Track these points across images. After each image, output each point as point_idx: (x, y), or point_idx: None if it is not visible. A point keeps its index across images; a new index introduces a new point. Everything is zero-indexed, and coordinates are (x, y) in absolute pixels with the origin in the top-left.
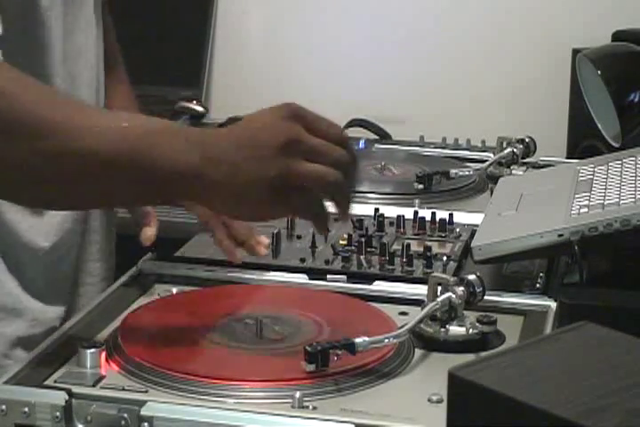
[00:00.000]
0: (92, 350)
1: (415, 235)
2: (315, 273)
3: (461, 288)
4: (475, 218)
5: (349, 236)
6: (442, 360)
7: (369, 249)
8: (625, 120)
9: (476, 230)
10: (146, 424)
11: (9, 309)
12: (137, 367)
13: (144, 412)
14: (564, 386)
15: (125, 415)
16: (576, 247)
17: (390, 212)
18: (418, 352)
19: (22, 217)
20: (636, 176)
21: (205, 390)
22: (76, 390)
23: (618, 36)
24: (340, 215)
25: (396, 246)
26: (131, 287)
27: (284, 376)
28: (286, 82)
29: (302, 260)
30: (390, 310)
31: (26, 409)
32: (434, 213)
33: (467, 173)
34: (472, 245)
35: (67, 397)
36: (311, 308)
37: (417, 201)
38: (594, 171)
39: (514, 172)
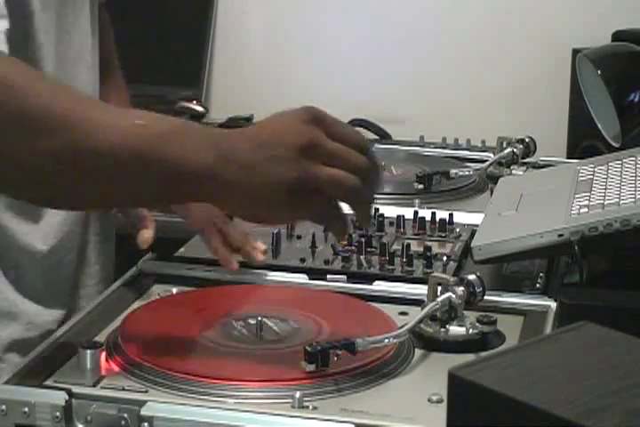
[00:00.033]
0: (92, 350)
1: (415, 235)
2: (315, 273)
3: (461, 288)
4: (475, 218)
5: (349, 236)
6: (442, 360)
7: (369, 249)
8: (625, 120)
9: (475, 230)
10: (146, 424)
11: (4, 312)
12: (137, 367)
13: (144, 412)
14: (564, 386)
15: (125, 415)
16: (576, 247)
17: (390, 212)
18: (418, 352)
19: (19, 221)
20: (635, 176)
21: (205, 390)
22: (75, 390)
23: (618, 36)
24: (359, 222)
25: (396, 246)
26: (131, 287)
27: (284, 376)
28: (286, 82)
29: (302, 260)
30: (390, 310)
31: (26, 409)
32: (434, 213)
33: (467, 173)
34: (472, 245)
35: (67, 397)
36: (311, 308)
37: (417, 201)
38: (594, 171)
39: (514, 172)
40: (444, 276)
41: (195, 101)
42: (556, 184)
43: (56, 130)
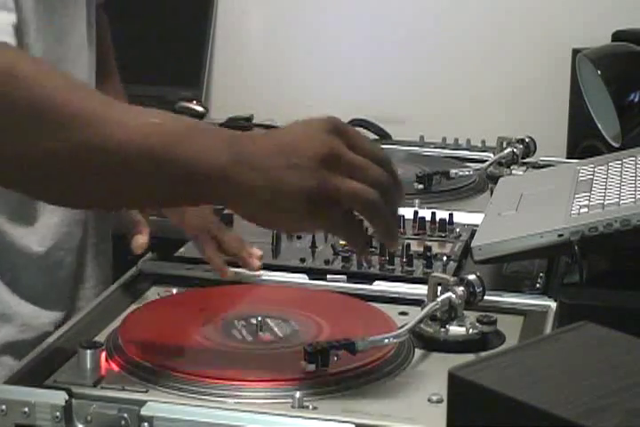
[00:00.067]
0: (92, 350)
1: (415, 235)
2: (315, 273)
3: (461, 288)
4: (475, 218)
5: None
6: (442, 360)
7: (369, 249)
8: (625, 120)
9: (475, 230)
10: (146, 424)
11: None
12: (137, 367)
13: (144, 412)
14: (564, 386)
15: (125, 415)
16: (576, 247)
17: None
18: (418, 352)
19: (14, 223)
20: (635, 176)
21: (205, 390)
22: (76, 390)
23: (618, 36)
24: (383, 241)
25: None
26: (131, 287)
27: (284, 376)
28: (286, 82)
29: (302, 260)
30: (390, 310)
31: (26, 409)
32: (434, 213)
33: (467, 173)
34: (472, 245)
35: (67, 397)
36: (311, 308)
37: (417, 201)
38: (594, 171)
39: (514, 172)
40: (444, 276)
41: (195, 101)
42: (556, 184)
43: (64, 124)
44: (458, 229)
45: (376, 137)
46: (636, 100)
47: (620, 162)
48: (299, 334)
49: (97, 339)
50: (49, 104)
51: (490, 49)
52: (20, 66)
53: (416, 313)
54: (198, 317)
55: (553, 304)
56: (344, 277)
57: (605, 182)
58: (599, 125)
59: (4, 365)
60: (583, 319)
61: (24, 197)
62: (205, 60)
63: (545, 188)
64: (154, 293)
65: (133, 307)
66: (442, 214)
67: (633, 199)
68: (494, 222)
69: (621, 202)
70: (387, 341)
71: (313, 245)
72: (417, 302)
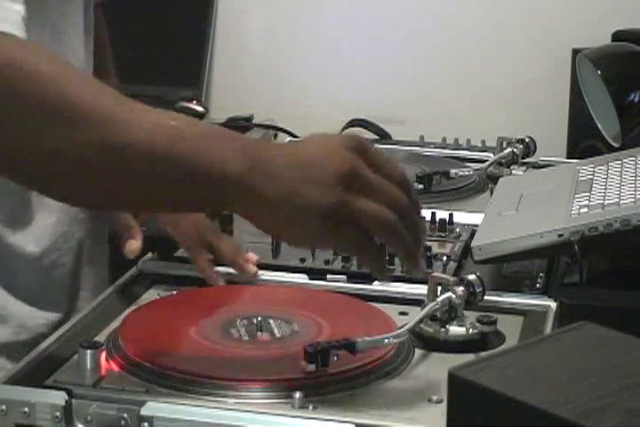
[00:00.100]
0: (92, 350)
1: None
2: (315, 273)
3: (461, 288)
4: (475, 218)
5: None
6: (442, 360)
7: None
8: (625, 120)
9: (475, 230)
10: (146, 424)
11: None
12: (137, 367)
13: (144, 412)
14: (564, 386)
15: (125, 415)
16: (576, 247)
17: None
18: (418, 352)
19: (8, 224)
20: (635, 176)
21: (205, 390)
22: (75, 390)
23: (618, 36)
24: (404, 265)
25: None
26: (131, 287)
27: (284, 376)
28: (286, 82)
29: (302, 260)
30: (390, 310)
31: (26, 409)
32: (434, 213)
33: (467, 173)
34: (472, 245)
35: (67, 397)
36: (311, 308)
37: None
38: (594, 171)
39: (514, 172)
40: (444, 276)
41: (195, 101)
42: (556, 184)
43: (79, 121)
44: (458, 229)
45: (376, 137)
46: (636, 100)
47: (619, 162)
48: (299, 334)
49: (97, 339)
50: (66, 102)
51: (490, 49)
52: (41, 63)
53: (416, 313)
54: (198, 317)
55: (553, 304)
56: (344, 277)
57: (605, 182)
58: (599, 125)
59: None
60: (583, 319)
61: (20, 197)
62: (205, 60)
63: (545, 188)
64: (154, 293)
65: (133, 307)
66: (442, 214)
67: (633, 199)
68: (494, 222)
69: (621, 202)
70: (387, 341)
71: None
72: (417, 302)
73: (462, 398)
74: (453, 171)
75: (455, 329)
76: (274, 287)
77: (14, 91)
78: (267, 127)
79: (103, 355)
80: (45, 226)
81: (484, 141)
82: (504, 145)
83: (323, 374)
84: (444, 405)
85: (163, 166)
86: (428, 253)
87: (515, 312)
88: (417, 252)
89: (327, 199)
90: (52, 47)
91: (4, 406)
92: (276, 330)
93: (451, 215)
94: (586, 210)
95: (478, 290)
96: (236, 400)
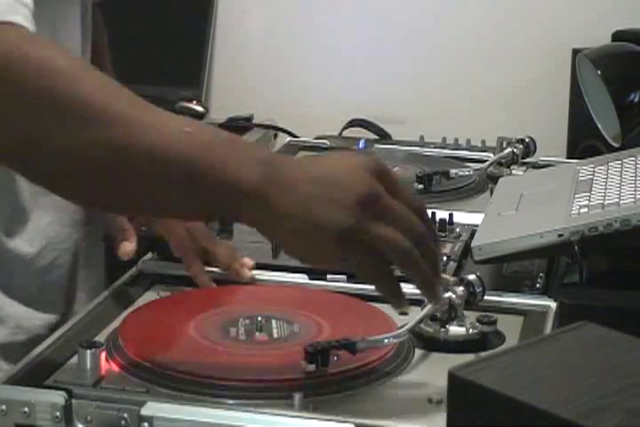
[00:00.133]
0: (92, 350)
1: None
2: (315, 273)
3: (461, 288)
4: (475, 218)
5: None
6: (442, 360)
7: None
8: (625, 120)
9: (475, 230)
10: (146, 424)
11: None
12: (137, 367)
13: (144, 412)
14: (564, 386)
15: (125, 415)
16: (576, 247)
17: None
18: (418, 352)
19: (5, 224)
20: (635, 176)
21: (205, 391)
22: (75, 390)
23: (618, 36)
24: (422, 293)
25: None
26: (131, 287)
27: (284, 376)
28: (286, 82)
29: None
30: (390, 310)
31: (26, 409)
32: (434, 213)
33: (467, 173)
34: (472, 245)
35: (67, 397)
36: (311, 308)
37: None
38: (594, 171)
39: (514, 172)
40: (444, 276)
41: (195, 101)
42: (556, 184)
43: (89, 120)
44: (458, 229)
45: (376, 137)
46: (636, 100)
47: (619, 162)
48: (299, 334)
49: (97, 339)
50: (77, 99)
51: (490, 49)
52: (56, 60)
53: (416, 313)
54: (198, 317)
55: (553, 304)
56: (344, 277)
57: (605, 182)
58: (599, 125)
59: None
60: (583, 319)
61: (15, 198)
62: (205, 60)
63: (545, 188)
64: (154, 293)
65: (133, 307)
66: (442, 214)
67: (633, 199)
68: (494, 222)
69: (621, 202)
70: (387, 341)
71: None
72: (417, 302)
73: (462, 398)
74: (453, 171)
75: (455, 329)
76: (273, 287)
77: (25, 86)
78: (267, 127)
79: (103, 355)
80: (41, 227)
81: (483, 141)
82: (504, 145)
83: (323, 374)
84: (444, 405)
85: (175, 172)
86: None
87: (515, 312)
88: (435, 282)
89: (344, 220)
90: None
91: (3, 406)
92: (275, 330)
93: (451, 215)
94: (586, 210)
95: (478, 290)
96: (236, 400)
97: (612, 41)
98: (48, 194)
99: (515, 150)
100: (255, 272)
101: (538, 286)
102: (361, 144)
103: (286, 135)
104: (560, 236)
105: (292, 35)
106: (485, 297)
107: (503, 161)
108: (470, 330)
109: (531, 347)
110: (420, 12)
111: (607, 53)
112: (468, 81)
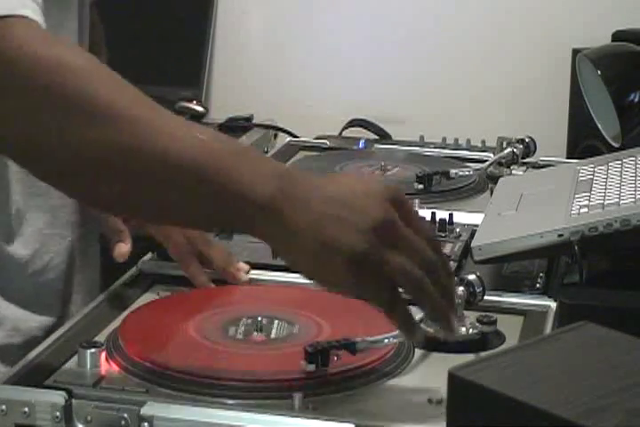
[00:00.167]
0: (92, 350)
1: None
2: None
3: (461, 288)
4: (475, 218)
5: None
6: (442, 360)
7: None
8: (625, 120)
9: (475, 230)
10: (146, 424)
11: None
12: (137, 367)
13: (144, 412)
14: (564, 386)
15: (125, 415)
16: (576, 247)
17: None
18: (418, 352)
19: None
20: (635, 176)
21: (205, 391)
22: (75, 390)
23: (618, 36)
24: (435, 324)
25: None
26: (131, 287)
27: (285, 376)
28: (286, 82)
29: None
30: None
31: (26, 409)
32: (434, 213)
33: (467, 173)
34: (472, 245)
35: (67, 397)
36: (311, 308)
37: (417, 201)
38: (594, 171)
39: (514, 172)
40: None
41: (195, 101)
42: (556, 184)
43: (96, 117)
44: (458, 229)
45: (376, 137)
46: (636, 100)
47: (619, 162)
48: (298, 335)
49: (97, 339)
50: (85, 96)
51: (490, 49)
52: (68, 57)
53: (416, 313)
54: (198, 317)
55: (553, 304)
56: None
57: (605, 182)
58: (599, 125)
59: None
60: (583, 319)
61: (9, 200)
62: (205, 60)
63: (545, 188)
64: (153, 293)
65: (133, 307)
66: (442, 214)
67: (633, 199)
68: (494, 222)
69: (621, 202)
70: (387, 341)
71: None
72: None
73: (462, 398)
74: (453, 171)
75: None
76: (273, 287)
77: (35, 83)
78: (267, 127)
79: (103, 355)
80: (34, 228)
81: (484, 141)
82: (504, 145)
83: (323, 374)
84: (444, 405)
85: (186, 178)
86: None
87: (515, 312)
88: (448, 312)
89: (359, 244)
90: None
91: (3, 406)
92: (275, 330)
93: (451, 215)
94: (586, 210)
95: (478, 290)
96: (236, 400)
97: (612, 41)
98: (42, 195)
99: (515, 150)
100: (255, 272)
101: (538, 285)
102: (361, 144)
103: (286, 135)
104: (560, 236)
105: (292, 35)
106: (485, 297)
107: (503, 161)
108: (470, 330)
109: (531, 347)
110: (420, 12)
111: (607, 53)
112: (468, 81)
